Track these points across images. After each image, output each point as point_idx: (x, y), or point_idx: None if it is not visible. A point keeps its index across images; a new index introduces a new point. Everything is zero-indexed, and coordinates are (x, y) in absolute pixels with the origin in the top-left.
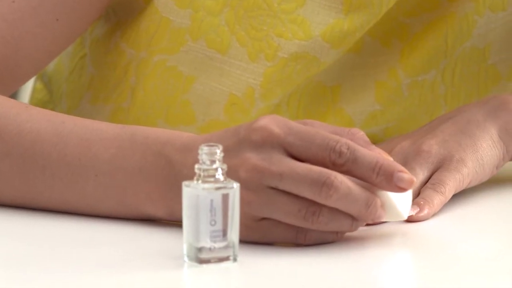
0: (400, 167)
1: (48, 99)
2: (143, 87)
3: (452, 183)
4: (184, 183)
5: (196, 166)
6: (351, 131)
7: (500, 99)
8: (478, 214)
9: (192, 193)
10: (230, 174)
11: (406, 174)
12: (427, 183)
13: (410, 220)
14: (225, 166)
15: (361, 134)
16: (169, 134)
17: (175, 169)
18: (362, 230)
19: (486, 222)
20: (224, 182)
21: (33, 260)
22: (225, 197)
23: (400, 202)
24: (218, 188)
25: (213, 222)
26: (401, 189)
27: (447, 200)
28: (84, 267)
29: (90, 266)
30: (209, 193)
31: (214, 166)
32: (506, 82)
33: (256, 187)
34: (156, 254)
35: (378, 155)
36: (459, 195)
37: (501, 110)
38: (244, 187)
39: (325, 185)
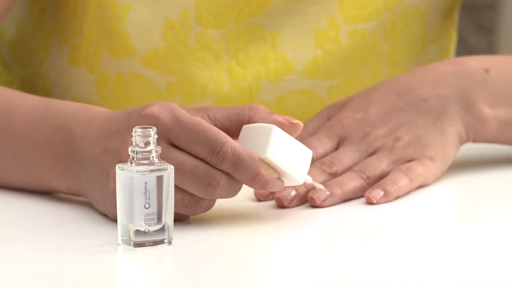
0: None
1: (1, 70)
2: (87, 19)
3: (421, 173)
4: (118, 165)
5: (130, 148)
6: (251, 107)
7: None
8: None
9: (126, 176)
10: (115, 157)
11: (278, 182)
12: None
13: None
14: (159, 148)
15: (261, 107)
16: (77, 108)
17: (74, 144)
18: (296, 214)
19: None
20: (158, 164)
21: None
22: (160, 180)
23: (294, 169)
24: (152, 171)
25: (147, 205)
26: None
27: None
28: (15, 251)
29: (21, 250)
30: (143, 176)
31: (148, 148)
32: (431, 44)
33: None
34: (90, 237)
35: (259, 166)
36: None
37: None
38: None
39: (211, 185)
